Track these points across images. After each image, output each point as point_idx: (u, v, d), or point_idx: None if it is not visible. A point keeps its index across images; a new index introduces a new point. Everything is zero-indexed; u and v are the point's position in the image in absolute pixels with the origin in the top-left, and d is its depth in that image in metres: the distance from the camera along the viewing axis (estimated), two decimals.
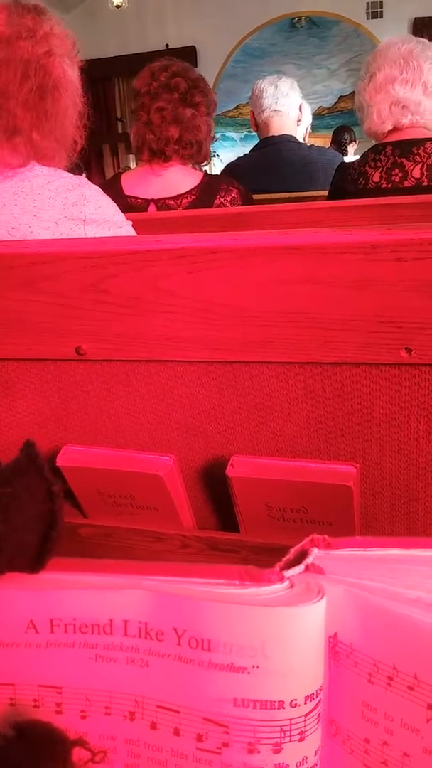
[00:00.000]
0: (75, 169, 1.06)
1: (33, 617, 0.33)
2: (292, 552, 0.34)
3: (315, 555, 0.33)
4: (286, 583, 0.32)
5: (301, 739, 0.31)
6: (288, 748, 0.31)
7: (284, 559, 0.33)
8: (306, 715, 0.31)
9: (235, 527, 0.73)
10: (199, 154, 1.63)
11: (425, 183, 1.42)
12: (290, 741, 0.31)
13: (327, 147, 3.78)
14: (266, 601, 0.31)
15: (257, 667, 0.30)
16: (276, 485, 0.65)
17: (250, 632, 0.30)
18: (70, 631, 0.32)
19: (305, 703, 0.31)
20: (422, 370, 0.58)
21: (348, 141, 5.08)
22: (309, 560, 0.33)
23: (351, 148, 5.07)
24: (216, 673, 0.30)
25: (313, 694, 0.31)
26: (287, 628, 0.30)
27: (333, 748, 0.33)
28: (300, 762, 0.31)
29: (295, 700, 0.30)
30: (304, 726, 0.31)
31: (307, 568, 0.33)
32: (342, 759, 0.33)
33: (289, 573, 0.32)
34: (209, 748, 0.31)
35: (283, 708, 0.30)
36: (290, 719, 0.30)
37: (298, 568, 0.33)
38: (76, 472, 0.72)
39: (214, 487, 0.74)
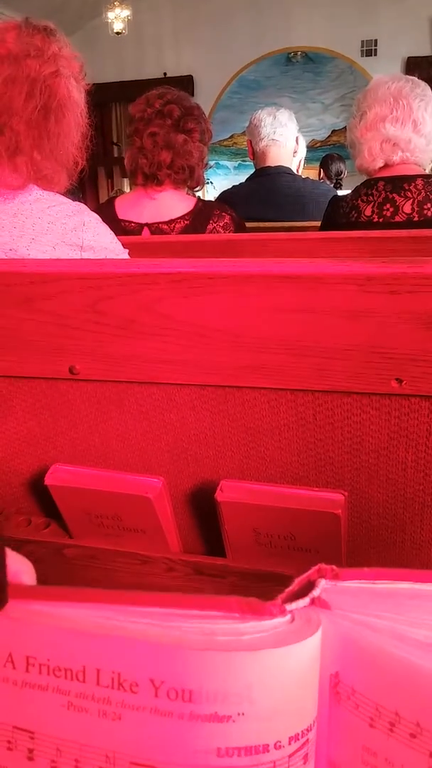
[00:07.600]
0: (71, 194, 1.07)
1: (12, 651, 0.31)
2: (297, 582, 0.32)
3: (323, 587, 0.32)
4: (288, 617, 0.30)
5: None
6: None
7: (287, 590, 0.32)
8: (290, 755, 0.30)
9: (221, 552, 0.73)
10: (191, 179, 1.65)
11: (416, 218, 1.45)
12: None
13: (321, 181, 3.82)
14: (252, 643, 0.29)
15: (242, 714, 0.28)
16: (264, 511, 0.65)
17: (235, 679, 0.28)
18: (44, 673, 0.31)
19: (289, 744, 0.29)
20: (412, 401, 0.59)
21: (343, 174, 5.09)
22: (316, 593, 0.32)
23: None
24: (198, 725, 0.28)
25: (299, 734, 0.30)
26: (274, 671, 0.29)
27: None
28: None
29: (280, 741, 0.29)
30: (288, 767, 0.30)
31: (312, 601, 0.31)
32: None
33: (292, 606, 0.31)
34: None
35: (268, 752, 0.29)
36: (274, 761, 0.29)
37: (303, 602, 0.31)
38: (64, 492, 0.72)
39: (202, 511, 0.74)
